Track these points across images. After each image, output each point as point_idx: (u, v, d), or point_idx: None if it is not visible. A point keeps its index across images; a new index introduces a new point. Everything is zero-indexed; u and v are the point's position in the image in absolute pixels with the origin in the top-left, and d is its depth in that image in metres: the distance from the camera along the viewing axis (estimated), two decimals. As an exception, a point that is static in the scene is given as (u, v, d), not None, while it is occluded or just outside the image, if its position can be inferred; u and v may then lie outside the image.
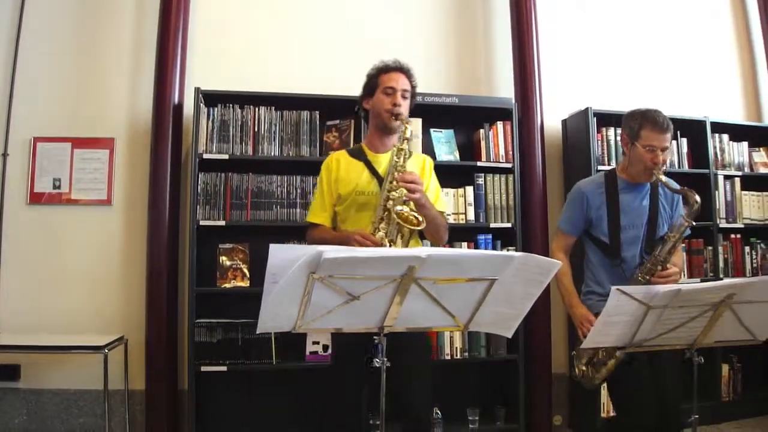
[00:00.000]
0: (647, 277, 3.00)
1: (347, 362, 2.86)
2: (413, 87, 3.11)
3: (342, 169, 3.06)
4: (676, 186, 3.09)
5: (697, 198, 2.96)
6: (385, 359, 2.20)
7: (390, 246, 2.77)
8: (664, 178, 3.04)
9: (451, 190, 4.55)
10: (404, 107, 3.02)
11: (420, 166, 3.11)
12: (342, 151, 3.22)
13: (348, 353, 2.82)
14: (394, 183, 2.84)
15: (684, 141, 5.06)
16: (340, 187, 3.02)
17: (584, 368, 3.10)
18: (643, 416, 2.95)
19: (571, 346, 4.64)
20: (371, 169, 3.02)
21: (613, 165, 4.59)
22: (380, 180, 2.96)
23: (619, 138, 4.77)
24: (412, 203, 2.83)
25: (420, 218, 2.78)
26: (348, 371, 2.88)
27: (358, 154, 3.11)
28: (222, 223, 4.22)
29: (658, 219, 3.16)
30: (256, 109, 4.38)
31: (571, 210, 3.31)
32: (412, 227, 2.78)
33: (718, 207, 4.98)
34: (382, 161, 3.03)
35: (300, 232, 4.31)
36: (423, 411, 2.92)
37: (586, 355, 3.09)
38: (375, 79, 3.08)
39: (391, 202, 2.82)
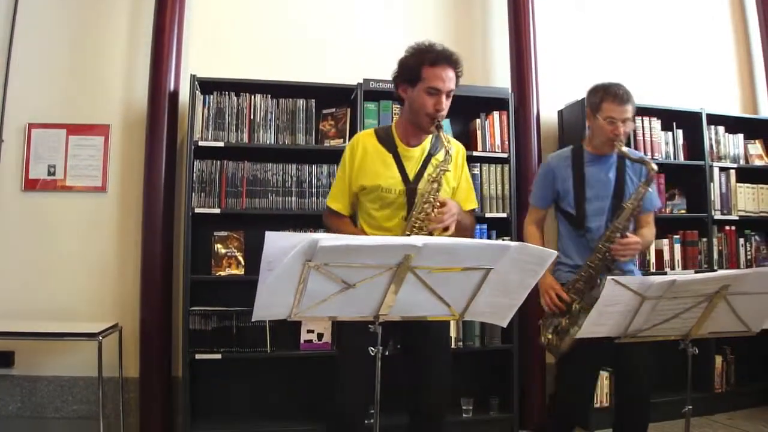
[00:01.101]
0: (607, 245, 3.07)
1: (354, 351, 2.65)
2: (458, 78, 2.82)
3: (369, 159, 2.83)
4: (635, 156, 3.23)
5: (654, 166, 3.08)
6: (381, 348, 2.21)
7: None
8: (625, 149, 3.14)
9: (447, 180, 4.55)
10: (446, 109, 2.78)
11: (454, 161, 2.85)
12: (370, 132, 2.95)
13: (355, 342, 2.61)
14: (423, 213, 2.67)
15: (680, 133, 5.06)
16: (365, 177, 2.82)
17: (550, 336, 3.19)
18: (577, 399, 3.25)
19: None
20: (400, 167, 2.81)
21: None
22: (406, 178, 2.78)
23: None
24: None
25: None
26: (355, 360, 2.65)
27: (388, 142, 2.85)
28: (217, 210, 4.22)
29: (625, 190, 3.21)
30: (252, 96, 4.36)
31: (539, 184, 3.43)
32: None
33: (713, 199, 4.99)
34: (414, 156, 2.83)
35: (295, 221, 4.35)
36: (441, 398, 2.84)
37: (551, 323, 3.20)
38: (418, 69, 2.74)
39: (415, 231, 2.66)
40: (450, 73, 2.74)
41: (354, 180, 2.85)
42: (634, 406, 3.16)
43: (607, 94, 3.20)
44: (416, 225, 2.66)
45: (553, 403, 3.88)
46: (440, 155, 2.80)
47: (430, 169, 2.79)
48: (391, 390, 2.62)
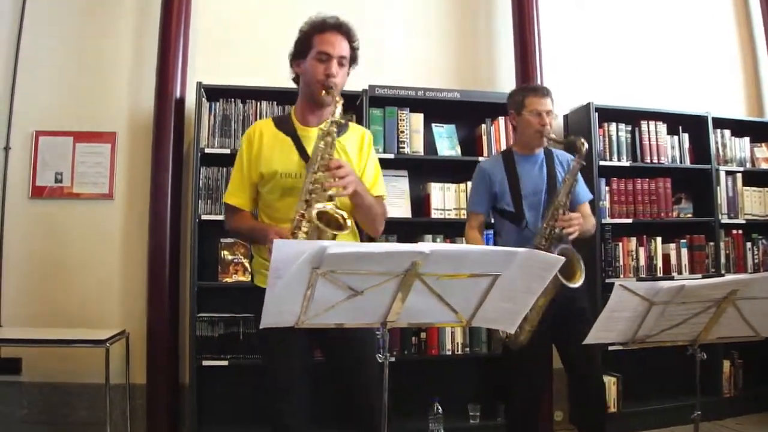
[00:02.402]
0: (552, 223, 3.20)
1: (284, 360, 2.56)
2: (354, 50, 2.68)
3: (265, 144, 2.64)
4: (560, 139, 3.49)
5: (583, 141, 3.23)
6: (388, 354, 2.20)
7: None
8: (553, 135, 3.36)
9: (453, 185, 4.56)
10: (340, 77, 2.61)
11: (358, 143, 2.73)
12: (267, 119, 2.79)
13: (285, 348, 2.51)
14: (319, 173, 2.43)
15: (686, 136, 5.06)
16: (262, 165, 2.60)
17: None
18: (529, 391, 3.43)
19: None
20: (299, 147, 2.60)
21: (616, 160, 4.78)
22: (306, 158, 2.55)
23: (620, 133, 4.82)
24: (336, 199, 2.44)
25: (345, 217, 2.40)
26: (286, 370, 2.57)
27: (285, 126, 2.67)
28: (224, 217, 4.21)
29: (556, 184, 3.36)
30: (258, 103, 4.38)
31: (476, 190, 3.55)
32: (335, 231, 2.33)
33: (719, 203, 4.99)
34: (313, 137, 2.58)
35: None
36: (376, 410, 2.38)
37: None
38: (309, 39, 2.62)
39: (313, 195, 2.42)
40: (340, 40, 2.62)
41: (253, 169, 2.64)
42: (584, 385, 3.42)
43: (527, 91, 3.49)
44: (312, 189, 2.42)
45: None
46: (348, 137, 2.69)
47: (322, 127, 2.55)
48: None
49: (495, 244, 3.50)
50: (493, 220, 3.66)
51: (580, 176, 3.37)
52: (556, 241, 3.20)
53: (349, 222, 2.41)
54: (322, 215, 2.35)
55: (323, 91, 2.56)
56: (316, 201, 2.39)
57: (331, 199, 2.41)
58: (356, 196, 2.48)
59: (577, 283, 3.09)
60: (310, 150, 2.56)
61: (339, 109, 2.53)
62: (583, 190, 3.51)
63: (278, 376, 2.59)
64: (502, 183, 3.43)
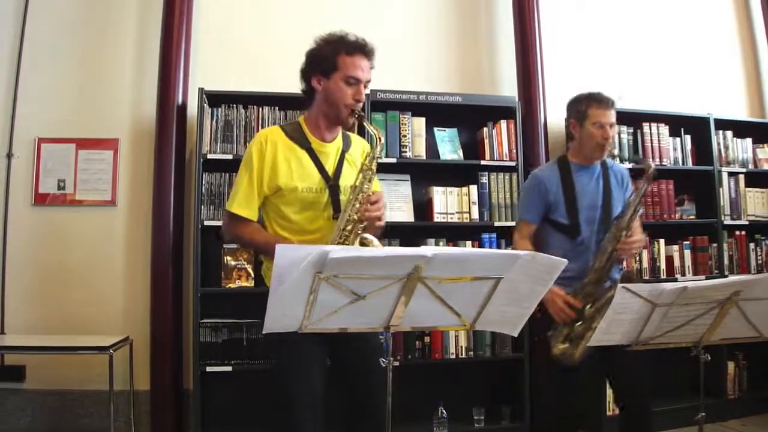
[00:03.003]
0: (614, 244, 3.11)
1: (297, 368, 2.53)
2: (371, 70, 2.69)
3: (281, 157, 2.62)
4: (625, 156, 3.43)
5: (650, 164, 3.20)
6: (391, 358, 2.20)
7: None
8: (615, 151, 3.28)
9: (456, 189, 4.55)
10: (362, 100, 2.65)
11: (361, 155, 2.76)
12: (276, 128, 2.75)
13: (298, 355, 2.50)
14: (357, 206, 2.51)
15: (688, 138, 5.06)
16: (280, 178, 2.59)
17: (562, 346, 3.14)
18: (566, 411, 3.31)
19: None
20: (317, 163, 2.64)
21: (618, 162, 4.65)
22: (326, 176, 2.62)
23: (622, 135, 4.81)
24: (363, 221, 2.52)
25: (376, 241, 2.55)
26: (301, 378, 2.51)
27: (299, 139, 2.66)
28: (223, 223, 4.21)
29: (612, 199, 3.30)
30: (260, 109, 4.38)
31: (529, 198, 3.43)
32: None
33: (722, 204, 4.99)
34: (329, 152, 2.68)
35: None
36: (381, 415, 2.40)
37: (561, 333, 3.16)
38: (333, 58, 2.59)
39: (350, 227, 2.51)
40: (367, 63, 2.64)
41: (267, 181, 2.61)
42: (635, 414, 3.20)
43: (592, 101, 3.29)
44: (351, 219, 2.51)
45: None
46: (354, 149, 2.75)
47: (347, 166, 2.68)
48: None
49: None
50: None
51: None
52: (617, 262, 3.17)
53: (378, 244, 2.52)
54: (363, 245, 2.48)
55: (351, 117, 2.60)
56: (353, 232, 2.50)
57: (364, 229, 2.52)
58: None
59: None
60: (327, 166, 2.63)
61: (380, 147, 2.60)
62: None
63: (296, 385, 2.53)
64: (557, 194, 3.31)
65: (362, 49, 2.62)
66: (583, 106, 3.31)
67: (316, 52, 2.64)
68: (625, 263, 3.26)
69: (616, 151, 3.27)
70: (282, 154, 2.62)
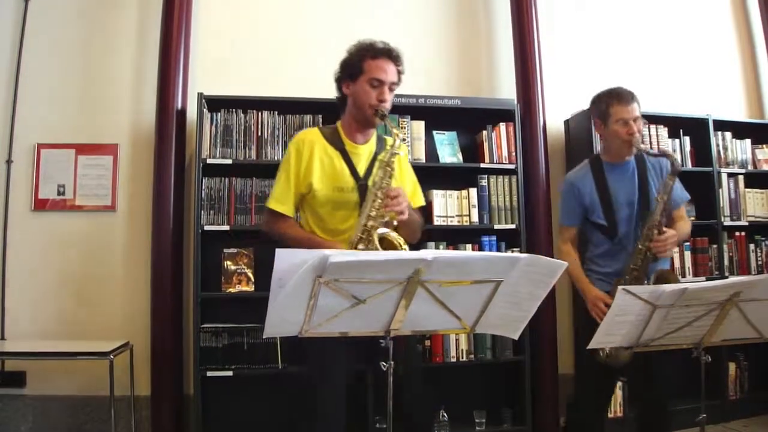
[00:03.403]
0: (647, 244, 3.10)
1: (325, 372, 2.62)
2: (400, 74, 2.83)
3: (316, 157, 2.79)
4: (654, 151, 3.30)
5: (675, 157, 3.19)
6: (392, 363, 2.20)
7: None
8: (643, 146, 3.19)
9: (455, 192, 4.55)
10: (389, 101, 2.79)
11: (397, 158, 2.82)
12: (314, 130, 2.93)
13: (326, 361, 2.60)
14: (378, 201, 2.64)
15: (687, 139, 5.06)
16: (315, 177, 2.76)
17: (608, 350, 3.09)
18: (596, 411, 3.36)
19: (576, 347, 4.65)
20: (349, 164, 2.80)
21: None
22: (357, 175, 2.77)
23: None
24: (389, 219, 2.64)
25: (402, 243, 2.64)
26: (328, 381, 2.62)
27: (334, 141, 2.84)
28: (226, 227, 4.23)
29: (649, 194, 3.25)
30: (259, 113, 4.38)
31: (566, 203, 3.44)
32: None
33: (722, 205, 4.98)
34: (361, 154, 2.83)
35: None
36: (422, 417, 2.81)
37: None
38: (360, 64, 2.77)
39: (371, 222, 2.63)
40: (391, 67, 2.77)
41: (303, 179, 2.78)
42: (652, 415, 3.26)
43: (612, 98, 3.27)
44: (372, 215, 2.63)
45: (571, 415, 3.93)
46: (389, 144, 2.83)
47: (381, 157, 2.78)
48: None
49: (586, 252, 3.41)
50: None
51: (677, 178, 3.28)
52: (652, 261, 3.15)
53: (405, 247, 2.63)
54: (383, 240, 2.58)
55: (376, 117, 2.73)
56: (374, 227, 2.61)
57: (387, 223, 2.63)
58: (407, 220, 2.68)
59: None
60: (359, 167, 2.79)
61: (398, 142, 2.73)
62: (679, 193, 3.32)
63: (323, 394, 2.62)
64: (591, 195, 3.32)
65: (387, 54, 2.78)
66: (604, 105, 3.29)
67: (346, 60, 2.84)
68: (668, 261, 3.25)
69: (643, 146, 3.21)
70: (317, 155, 2.79)
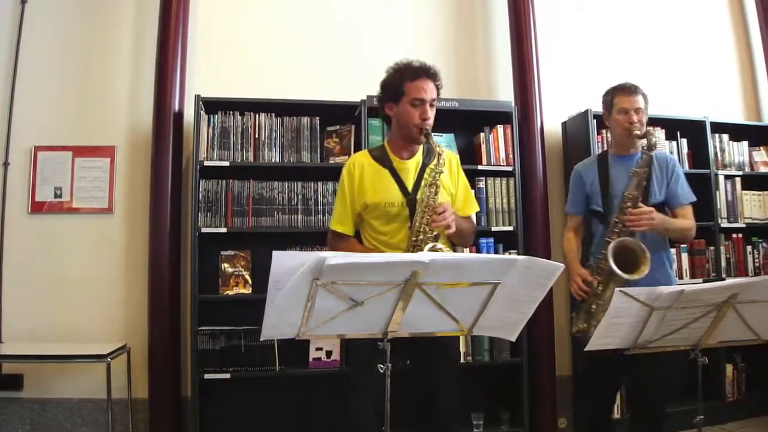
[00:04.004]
0: (621, 217, 3.18)
1: (365, 369, 2.69)
2: (439, 89, 2.99)
3: (366, 177, 2.96)
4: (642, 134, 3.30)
5: (653, 134, 3.26)
6: (390, 365, 2.20)
7: None
8: (637, 132, 3.26)
9: (453, 194, 4.55)
10: (432, 118, 2.92)
11: (449, 168, 2.99)
12: (364, 152, 3.14)
13: (366, 359, 2.67)
14: (426, 218, 2.77)
15: (684, 141, 5.07)
16: (367, 195, 2.93)
17: (581, 326, 3.27)
18: (597, 416, 3.42)
19: (574, 348, 4.65)
20: (397, 179, 2.93)
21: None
22: (405, 190, 2.90)
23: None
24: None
25: (445, 249, 2.80)
26: (366, 378, 2.71)
27: (382, 159, 2.99)
28: (223, 230, 4.22)
29: (650, 185, 3.29)
30: (257, 115, 4.38)
31: (571, 191, 3.63)
32: None
33: (719, 207, 4.98)
34: (409, 168, 2.97)
35: (301, 238, 4.34)
36: (449, 416, 2.89)
37: (583, 313, 3.28)
38: (400, 86, 2.90)
39: (421, 236, 2.77)
40: (430, 85, 2.91)
41: (357, 199, 2.95)
42: (645, 420, 3.30)
43: (616, 90, 3.41)
44: (421, 230, 2.76)
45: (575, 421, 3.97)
46: (433, 163, 2.90)
47: (426, 176, 2.89)
48: (403, 404, 2.62)
49: (590, 245, 3.50)
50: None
51: (682, 176, 3.39)
52: (630, 235, 3.17)
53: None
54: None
55: (420, 135, 2.88)
56: (423, 241, 2.75)
57: (436, 237, 2.79)
58: (454, 233, 2.81)
59: (640, 276, 3.04)
60: (407, 181, 2.93)
61: (441, 160, 2.85)
62: (682, 191, 3.38)
63: (359, 390, 2.82)
64: (593, 184, 3.46)
65: (425, 73, 2.93)
66: (609, 97, 3.44)
67: (386, 83, 2.98)
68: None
69: (637, 132, 3.27)
70: (368, 174, 2.97)
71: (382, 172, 2.95)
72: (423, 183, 2.88)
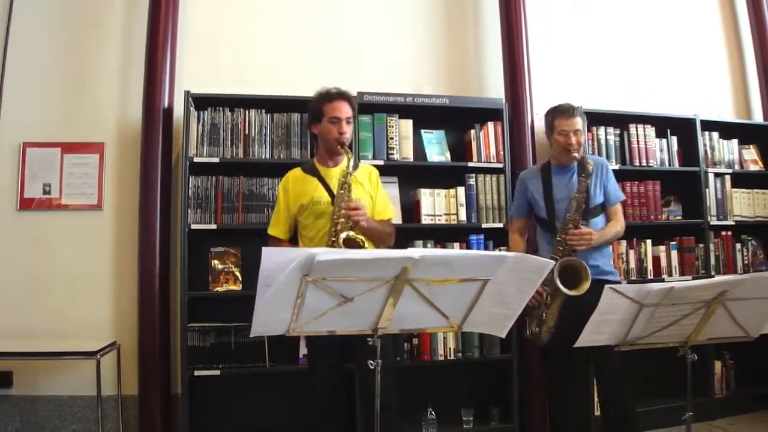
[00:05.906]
0: (563, 236, 3.56)
1: (322, 364, 3.34)
2: (354, 110, 3.47)
3: (298, 186, 3.47)
4: (590, 157, 3.72)
5: (589, 161, 3.60)
6: (380, 361, 2.20)
7: None
8: (576, 154, 3.63)
9: (443, 191, 4.55)
10: (348, 132, 3.41)
11: (367, 178, 3.54)
12: (297, 169, 3.59)
13: (322, 355, 3.30)
14: (342, 212, 3.24)
15: (674, 139, 5.08)
16: (301, 199, 3.41)
17: (534, 328, 3.65)
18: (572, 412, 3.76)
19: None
20: (324, 184, 3.42)
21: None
22: (331, 193, 3.37)
23: (609, 136, 4.85)
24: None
25: (363, 240, 3.25)
26: (321, 372, 3.36)
27: (311, 171, 3.50)
28: (213, 226, 4.21)
29: (589, 195, 3.66)
30: (246, 111, 4.37)
31: (515, 196, 4.06)
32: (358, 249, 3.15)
33: (708, 205, 5.01)
34: (333, 175, 3.43)
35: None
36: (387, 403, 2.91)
37: (535, 317, 3.64)
38: (320, 107, 3.41)
39: (339, 227, 3.23)
40: (345, 106, 3.42)
41: (293, 204, 3.45)
42: (615, 417, 3.58)
43: (556, 112, 3.79)
44: (338, 222, 3.24)
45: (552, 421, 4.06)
46: (359, 172, 3.49)
47: (339, 177, 3.36)
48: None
49: (535, 252, 3.80)
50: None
51: (613, 177, 3.85)
52: (570, 254, 3.50)
53: (366, 244, 3.26)
54: (347, 240, 3.18)
55: (339, 147, 3.38)
56: (341, 231, 3.22)
57: (352, 228, 3.24)
58: (368, 228, 3.31)
59: (580, 292, 3.36)
60: (332, 185, 3.40)
61: (351, 163, 3.34)
62: (614, 192, 3.84)
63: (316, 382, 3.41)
64: (536, 191, 3.83)
65: (339, 96, 3.44)
66: (550, 118, 3.83)
67: (311, 107, 3.53)
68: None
69: (575, 154, 3.64)
70: (300, 183, 3.49)
71: (312, 180, 3.46)
72: (336, 184, 3.33)
